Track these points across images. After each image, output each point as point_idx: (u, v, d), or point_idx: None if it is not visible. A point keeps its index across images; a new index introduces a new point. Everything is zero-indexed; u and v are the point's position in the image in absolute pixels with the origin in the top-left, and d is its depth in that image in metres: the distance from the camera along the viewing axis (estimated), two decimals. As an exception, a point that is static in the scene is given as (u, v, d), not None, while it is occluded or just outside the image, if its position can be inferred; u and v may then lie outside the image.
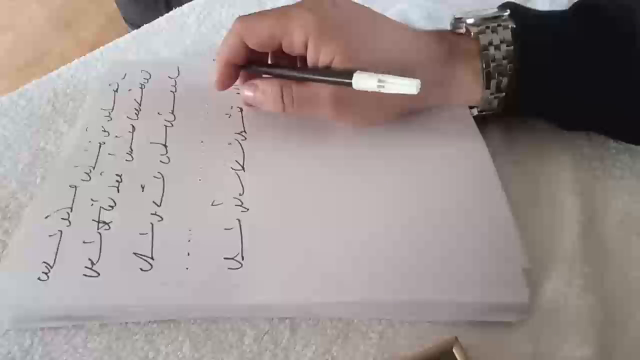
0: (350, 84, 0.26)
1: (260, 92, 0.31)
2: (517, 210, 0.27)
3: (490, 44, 0.29)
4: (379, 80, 0.25)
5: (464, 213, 0.27)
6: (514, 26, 0.29)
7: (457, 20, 0.31)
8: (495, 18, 0.30)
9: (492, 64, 0.29)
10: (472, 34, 0.30)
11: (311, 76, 0.29)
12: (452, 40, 0.30)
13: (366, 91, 0.26)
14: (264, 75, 0.32)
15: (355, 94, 0.27)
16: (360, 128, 0.32)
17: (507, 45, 0.29)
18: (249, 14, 0.31)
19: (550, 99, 0.30)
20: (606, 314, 0.25)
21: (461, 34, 0.31)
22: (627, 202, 0.29)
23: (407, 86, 0.25)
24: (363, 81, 0.26)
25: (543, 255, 0.27)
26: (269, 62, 0.33)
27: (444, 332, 0.24)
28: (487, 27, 0.29)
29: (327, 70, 0.29)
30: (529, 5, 0.32)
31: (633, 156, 0.31)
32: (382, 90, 0.25)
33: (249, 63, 0.32)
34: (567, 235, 0.27)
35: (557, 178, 0.30)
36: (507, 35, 0.29)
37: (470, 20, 0.30)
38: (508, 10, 0.30)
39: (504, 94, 0.30)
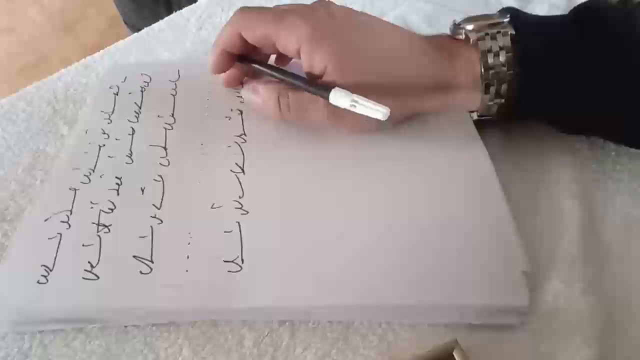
0: (327, 98, 0.28)
1: (259, 96, 0.32)
2: (517, 212, 0.27)
3: (490, 50, 0.29)
4: (352, 100, 0.27)
5: (464, 216, 0.27)
6: (513, 32, 0.29)
7: (457, 26, 0.31)
8: (494, 25, 0.29)
9: (491, 71, 0.29)
10: (471, 40, 0.30)
11: (296, 82, 0.30)
12: (451, 46, 0.30)
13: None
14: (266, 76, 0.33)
15: None
16: (356, 134, 0.32)
17: (507, 52, 0.29)
18: (251, 7, 0.31)
19: (549, 104, 0.30)
20: (607, 315, 0.25)
21: (460, 40, 0.31)
22: (626, 203, 0.29)
23: (376, 112, 0.26)
24: (338, 98, 0.27)
25: (543, 257, 0.27)
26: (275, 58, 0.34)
27: (444, 335, 0.24)
28: (487, 34, 0.29)
29: (311, 81, 0.29)
30: (528, 8, 0.32)
31: (632, 158, 0.31)
32: (354, 110, 0.27)
33: (249, 53, 0.32)
34: (567, 238, 0.27)
35: (556, 180, 0.30)
36: (507, 41, 0.29)
37: (469, 27, 0.30)
38: (508, 16, 0.30)
39: (503, 99, 0.30)
